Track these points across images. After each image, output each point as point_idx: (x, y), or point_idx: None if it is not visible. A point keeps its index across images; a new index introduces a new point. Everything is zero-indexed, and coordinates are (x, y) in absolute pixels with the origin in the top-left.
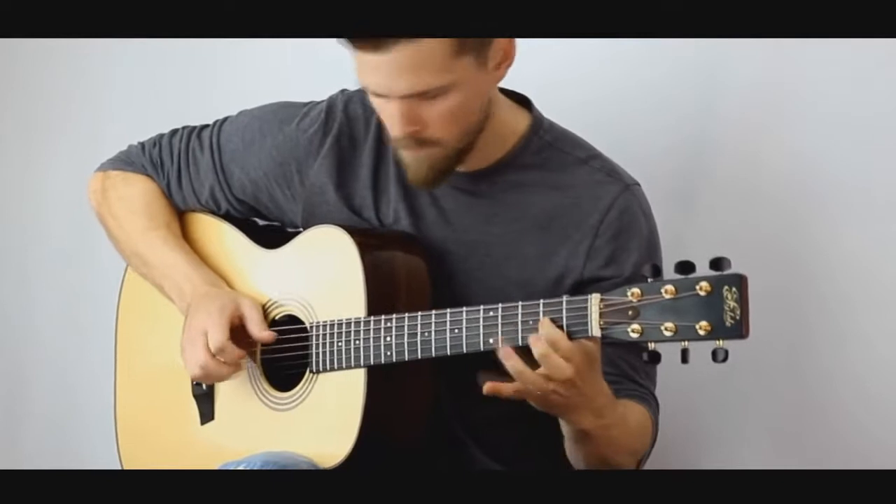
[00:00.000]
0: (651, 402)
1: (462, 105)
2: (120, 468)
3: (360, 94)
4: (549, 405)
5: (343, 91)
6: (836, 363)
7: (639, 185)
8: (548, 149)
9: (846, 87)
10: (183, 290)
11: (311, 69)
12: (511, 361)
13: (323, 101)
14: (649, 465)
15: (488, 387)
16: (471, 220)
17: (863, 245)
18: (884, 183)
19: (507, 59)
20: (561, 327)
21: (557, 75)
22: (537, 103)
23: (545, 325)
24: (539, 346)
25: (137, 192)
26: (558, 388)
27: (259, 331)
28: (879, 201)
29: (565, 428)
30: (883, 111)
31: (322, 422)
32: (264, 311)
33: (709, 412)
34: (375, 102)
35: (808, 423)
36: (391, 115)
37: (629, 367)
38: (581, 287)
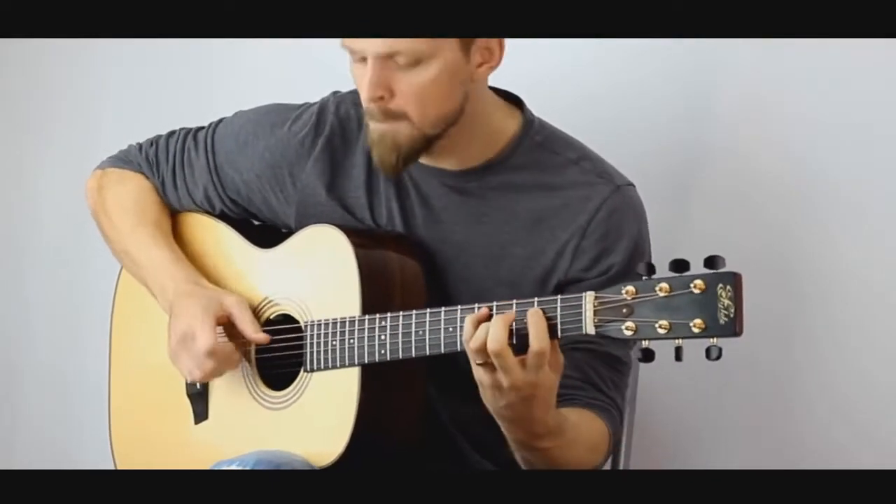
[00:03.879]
0: (613, 414)
1: (435, 84)
2: (114, 468)
3: (352, 96)
4: (485, 399)
5: (335, 93)
6: (828, 365)
7: (632, 185)
8: (538, 149)
9: (842, 88)
10: (165, 287)
11: (307, 70)
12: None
13: (315, 104)
14: (642, 465)
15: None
16: (460, 220)
17: (856, 247)
18: (878, 185)
19: (491, 61)
20: (554, 326)
21: (551, 75)
22: (531, 103)
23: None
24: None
25: (130, 189)
26: (493, 386)
27: (253, 332)
28: (873, 203)
29: (504, 431)
30: (878, 112)
31: (316, 420)
32: (259, 310)
33: (698, 413)
34: (355, 71)
35: (799, 423)
36: (364, 78)
37: (596, 376)
38: (564, 287)
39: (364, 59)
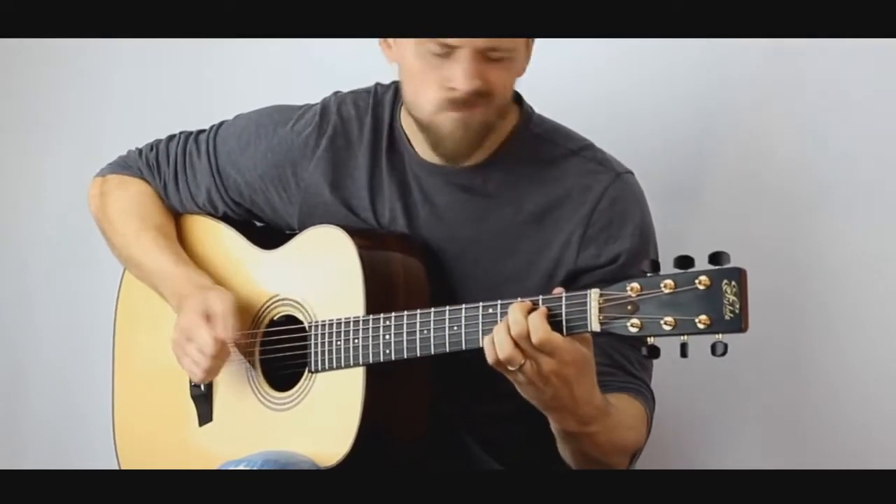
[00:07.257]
0: (646, 395)
1: (511, 78)
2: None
3: (353, 96)
4: (528, 395)
5: (336, 93)
6: (835, 361)
7: (631, 173)
8: (538, 141)
9: (847, 86)
10: (173, 291)
11: (307, 70)
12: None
13: (316, 104)
14: (647, 465)
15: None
16: (464, 217)
17: (863, 242)
18: (884, 181)
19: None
20: (560, 322)
21: (559, 74)
22: (543, 102)
23: (528, 318)
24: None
25: (131, 194)
26: (534, 378)
27: (221, 329)
28: (880, 199)
29: (552, 425)
30: (883, 110)
31: (321, 421)
32: (262, 311)
33: (707, 411)
34: (428, 64)
35: (806, 422)
36: (459, 70)
37: (623, 359)
38: (575, 277)
39: (447, 54)
